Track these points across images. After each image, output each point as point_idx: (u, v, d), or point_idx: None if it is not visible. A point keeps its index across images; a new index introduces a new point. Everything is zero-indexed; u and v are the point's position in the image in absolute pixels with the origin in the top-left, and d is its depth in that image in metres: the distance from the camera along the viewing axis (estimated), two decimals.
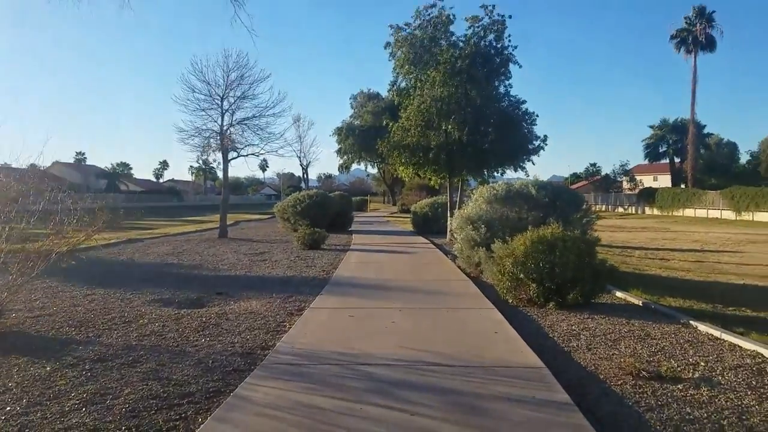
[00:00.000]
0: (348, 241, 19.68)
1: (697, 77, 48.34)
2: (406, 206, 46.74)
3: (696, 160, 51.49)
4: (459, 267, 12.30)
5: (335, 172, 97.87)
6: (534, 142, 18.26)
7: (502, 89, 18.58)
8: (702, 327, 6.91)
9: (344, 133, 71.49)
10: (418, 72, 18.55)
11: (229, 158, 21.12)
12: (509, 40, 17.99)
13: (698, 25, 47.01)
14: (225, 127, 20.17)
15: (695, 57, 47.66)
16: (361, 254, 15.55)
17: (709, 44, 47.52)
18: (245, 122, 20.21)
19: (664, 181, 68.67)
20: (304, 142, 56.53)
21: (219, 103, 20.01)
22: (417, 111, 18.37)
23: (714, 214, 39.21)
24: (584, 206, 11.46)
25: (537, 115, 18.27)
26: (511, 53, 17.94)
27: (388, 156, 19.99)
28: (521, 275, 8.30)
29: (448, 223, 20.00)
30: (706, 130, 58.55)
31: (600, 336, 6.65)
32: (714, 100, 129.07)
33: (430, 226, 23.40)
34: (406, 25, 18.64)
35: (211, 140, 20.17)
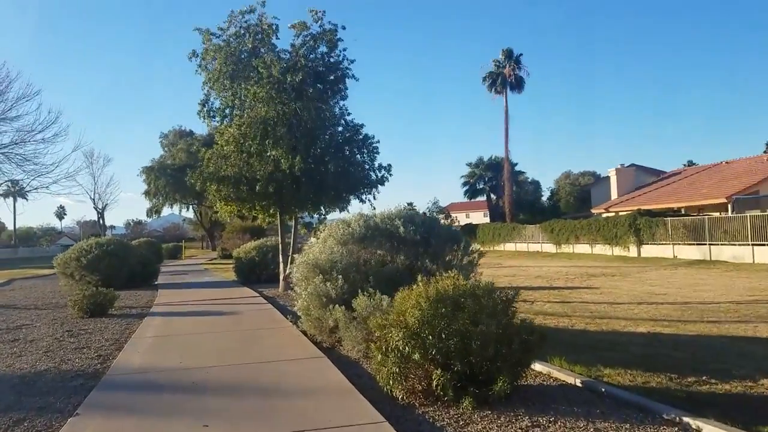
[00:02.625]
0: (150, 301, 15.21)
1: (509, 116, 50.97)
2: (228, 251, 42.02)
3: (512, 196, 53.84)
4: (304, 333, 8.93)
5: (145, 217, 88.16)
6: (376, 172, 15.65)
7: (337, 110, 15.82)
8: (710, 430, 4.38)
9: (154, 173, 64.46)
10: (235, 88, 15.12)
11: None
12: (344, 54, 15.40)
13: (507, 66, 49.62)
14: None
15: (506, 97, 50.16)
16: (165, 321, 11.40)
17: (518, 85, 50.44)
18: (2, 151, 14.93)
19: (476, 217, 71.73)
20: (98, 181, 48.95)
21: None
22: (237, 134, 14.87)
23: (534, 247, 40.37)
24: (462, 243, 8.85)
25: (378, 142, 15.79)
26: (347, 67, 15.33)
27: (202, 189, 16.06)
28: (416, 354, 5.24)
29: (280, 269, 16.54)
30: (516, 168, 62.05)
31: None
32: (517, 139, 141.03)
33: (258, 273, 19.61)
34: (219, 29, 15.17)
35: None
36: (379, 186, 15.58)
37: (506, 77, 49.68)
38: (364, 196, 15.52)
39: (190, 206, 70.03)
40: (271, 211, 15.96)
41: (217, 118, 15.84)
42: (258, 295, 15.37)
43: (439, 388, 5.18)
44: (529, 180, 75.62)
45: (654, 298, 13.36)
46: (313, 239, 9.41)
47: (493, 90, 50.74)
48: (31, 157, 15.49)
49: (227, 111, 15.79)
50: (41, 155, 16.33)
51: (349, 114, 15.94)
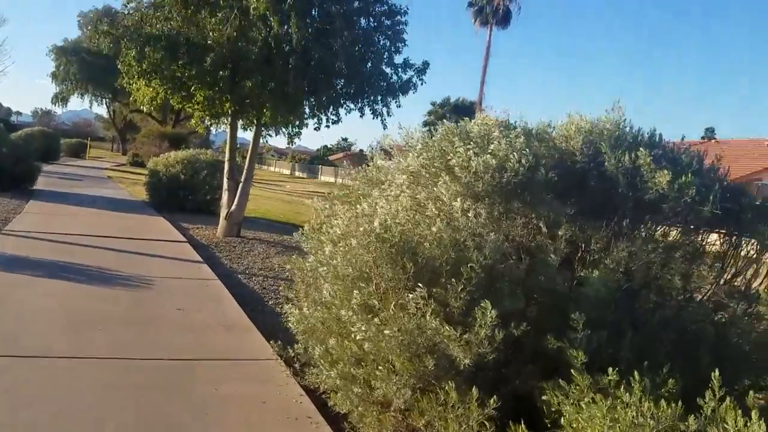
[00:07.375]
0: (4, 221, 9.09)
1: (490, 54, 45.32)
2: (140, 158, 34.76)
3: None
4: (309, 393, 3.50)
5: (50, 105, 75.63)
6: (399, 71, 9.87)
7: None
8: None
9: (66, 54, 54.19)
10: None
11: None
12: None
13: None
14: None
15: (490, 30, 44.20)
16: None
17: (504, 19, 44.54)
18: None
19: None
20: None
21: None
22: None
23: None
24: None
25: (406, 22, 9.90)
26: None
27: (114, 54, 9.76)
28: None
29: (223, 200, 10.72)
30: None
31: None
32: (495, 84, 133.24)
33: (183, 199, 13.51)
34: None
35: None
36: (400, 94, 9.86)
37: (495, 5, 43.65)
38: (377, 106, 9.76)
39: (104, 101, 60.13)
40: (224, 107, 9.81)
41: None
42: (184, 238, 9.47)
43: None
44: None
45: None
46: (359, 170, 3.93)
47: (477, 21, 44.72)
48: None
49: None
50: None
51: None
